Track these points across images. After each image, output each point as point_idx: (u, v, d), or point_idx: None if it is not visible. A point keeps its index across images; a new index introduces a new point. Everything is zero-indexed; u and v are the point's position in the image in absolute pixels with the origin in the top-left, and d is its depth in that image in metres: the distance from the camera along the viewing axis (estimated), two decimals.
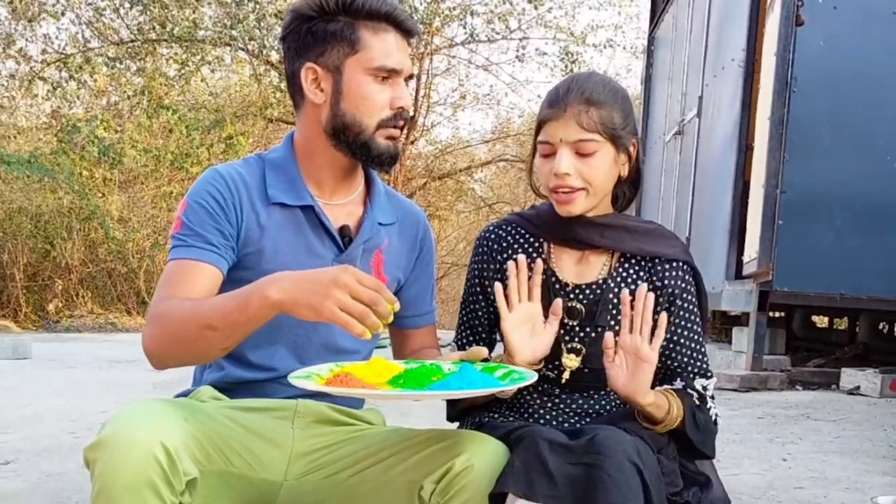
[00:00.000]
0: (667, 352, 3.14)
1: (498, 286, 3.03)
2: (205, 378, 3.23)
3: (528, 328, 3.08)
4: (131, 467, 2.54)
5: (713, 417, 3.15)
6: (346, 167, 3.17)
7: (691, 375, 3.14)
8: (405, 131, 3.19)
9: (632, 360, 2.92)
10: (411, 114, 3.12)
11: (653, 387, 3.01)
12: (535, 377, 2.83)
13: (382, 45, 3.03)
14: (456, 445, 2.85)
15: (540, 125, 3.08)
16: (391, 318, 2.64)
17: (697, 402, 3.09)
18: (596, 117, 3.00)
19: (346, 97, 3.04)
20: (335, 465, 3.07)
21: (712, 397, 3.16)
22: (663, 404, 2.98)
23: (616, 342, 2.94)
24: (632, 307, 2.88)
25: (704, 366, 3.18)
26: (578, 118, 2.99)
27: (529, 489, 2.72)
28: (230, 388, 3.18)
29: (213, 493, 2.89)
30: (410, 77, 3.15)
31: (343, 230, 3.16)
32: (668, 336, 3.12)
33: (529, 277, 3.07)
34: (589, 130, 2.99)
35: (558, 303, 3.04)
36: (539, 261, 3.11)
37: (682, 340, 3.15)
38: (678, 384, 3.13)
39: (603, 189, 3.10)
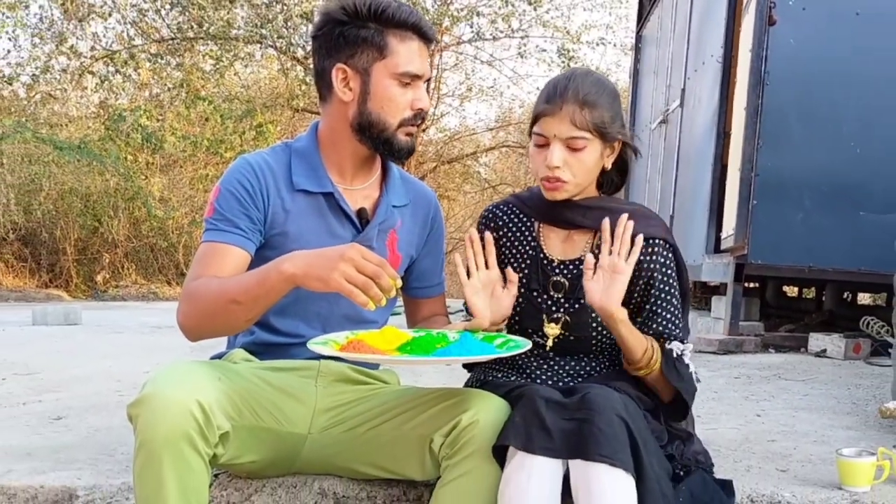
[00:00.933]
0: (647, 321, 3.19)
1: (457, 256, 3.10)
2: (237, 341, 3.29)
3: (487, 293, 3.17)
4: (170, 422, 2.61)
5: (693, 374, 3.17)
6: (365, 157, 3.24)
7: (669, 341, 3.15)
8: (421, 127, 3.28)
9: (608, 275, 2.98)
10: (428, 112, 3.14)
11: (601, 333, 3.18)
12: (528, 345, 2.92)
13: (407, 53, 3.09)
14: (463, 403, 2.91)
15: (536, 118, 3.10)
16: (393, 293, 2.71)
17: (676, 356, 3.12)
18: (588, 117, 3.04)
19: (372, 97, 3.10)
20: (354, 420, 3.13)
21: (689, 362, 3.18)
22: (641, 340, 3.04)
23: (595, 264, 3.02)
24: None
25: (681, 333, 3.20)
26: (572, 117, 3.03)
27: (528, 442, 2.76)
28: (259, 351, 3.24)
29: (243, 446, 2.95)
30: (429, 80, 3.24)
31: (360, 213, 3.22)
32: (648, 307, 3.18)
33: (485, 248, 3.17)
34: (581, 129, 3.04)
35: (510, 271, 3.17)
36: (488, 233, 3.21)
37: (659, 311, 3.18)
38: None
39: (587, 179, 3.16)
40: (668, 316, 3.19)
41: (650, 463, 2.76)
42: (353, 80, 3.12)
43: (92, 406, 4.93)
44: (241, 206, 3.08)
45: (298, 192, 3.17)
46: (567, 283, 3.24)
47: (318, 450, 3.18)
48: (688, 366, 3.17)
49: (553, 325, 3.22)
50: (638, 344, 3.02)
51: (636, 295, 3.19)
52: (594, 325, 3.22)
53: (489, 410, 2.89)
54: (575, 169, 3.08)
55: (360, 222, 3.23)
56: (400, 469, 3.09)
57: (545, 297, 3.26)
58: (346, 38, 3.09)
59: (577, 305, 3.22)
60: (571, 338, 3.23)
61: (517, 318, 3.29)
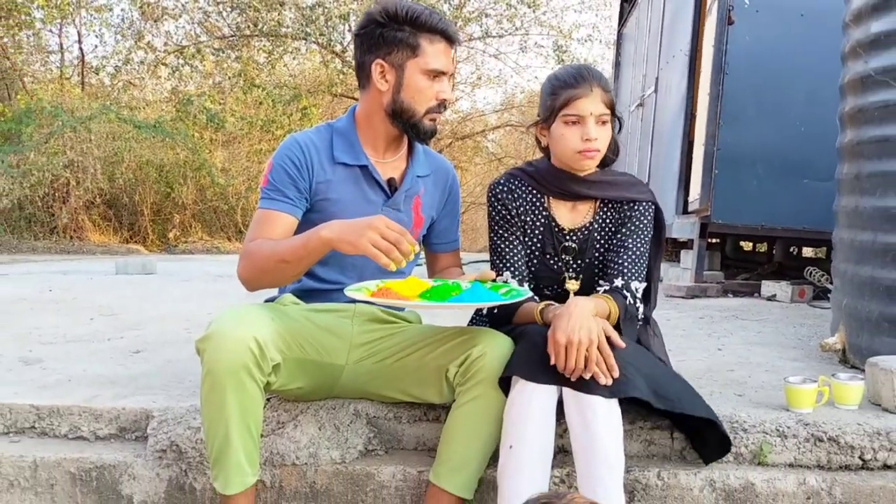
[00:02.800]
0: (620, 249, 3.23)
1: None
2: (287, 287, 3.33)
3: None
4: (231, 355, 2.72)
5: (639, 313, 3.22)
6: (395, 136, 3.30)
7: (630, 277, 3.18)
8: (443, 114, 3.29)
9: None
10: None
11: (598, 284, 3.23)
12: (528, 294, 3.01)
13: (435, 53, 3.16)
14: (473, 338, 2.97)
15: (567, 101, 3.11)
16: (412, 257, 2.80)
17: (629, 302, 3.14)
18: (608, 97, 3.13)
19: (405, 89, 3.17)
20: (383, 352, 3.18)
21: (642, 299, 3.24)
22: (606, 309, 3.03)
23: None
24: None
25: (642, 272, 3.24)
26: (602, 97, 3.11)
27: (530, 373, 2.77)
28: (305, 296, 3.30)
29: (291, 375, 3.02)
30: (452, 75, 3.29)
31: (390, 182, 3.29)
32: (621, 240, 3.23)
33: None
34: (607, 106, 3.12)
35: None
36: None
37: (629, 245, 3.22)
38: (618, 282, 3.17)
39: (605, 149, 3.22)
40: (636, 253, 3.23)
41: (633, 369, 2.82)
42: (388, 73, 3.18)
43: (165, 341, 4.94)
44: (290, 178, 3.16)
45: (338, 164, 3.24)
46: (576, 246, 3.29)
47: (353, 378, 3.22)
48: (638, 308, 3.21)
49: (573, 281, 3.29)
50: (603, 314, 3.01)
51: (619, 236, 3.26)
52: (597, 278, 3.28)
53: (495, 345, 2.95)
54: (603, 140, 3.15)
55: (390, 189, 3.30)
56: (422, 394, 3.15)
57: (557, 259, 3.30)
58: (384, 38, 3.16)
59: (584, 264, 3.30)
60: (579, 292, 3.25)
61: (535, 279, 3.33)
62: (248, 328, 2.79)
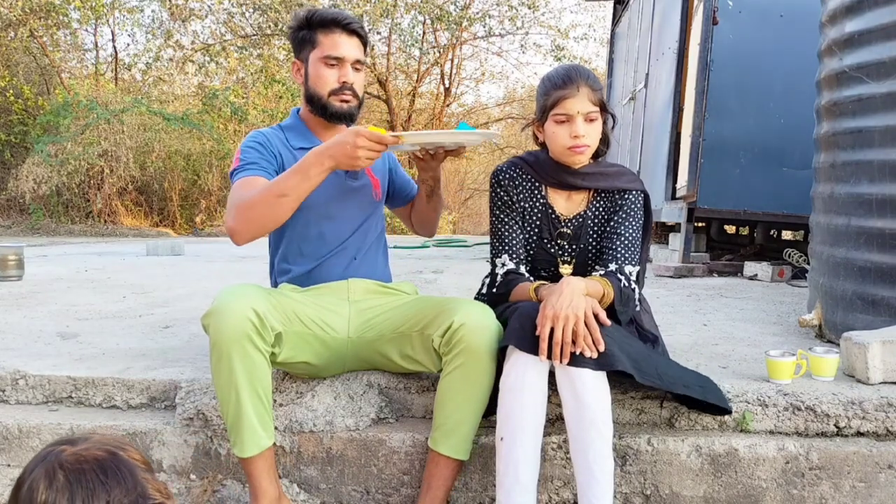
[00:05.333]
0: (613, 235, 3.22)
1: None
2: (280, 282, 3.40)
3: None
4: (233, 325, 2.77)
5: (635, 295, 3.21)
6: (325, 123, 3.42)
7: (623, 261, 3.17)
8: (358, 99, 3.40)
9: None
10: (359, 90, 3.41)
11: (594, 269, 3.21)
12: (497, 135, 3.21)
13: (331, 42, 3.32)
14: (453, 310, 3.00)
15: (556, 101, 3.12)
16: (401, 141, 2.93)
17: (624, 285, 3.12)
18: (596, 96, 3.12)
19: (311, 78, 3.36)
20: (380, 326, 3.23)
21: (636, 281, 3.22)
22: (599, 290, 3.01)
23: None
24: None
25: (635, 257, 3.22)
26: (589, 96, 3.10)
27: (523, 342, 2.77)
28: (300, 283, 3.35)
29: (296, 347, 3.06)
30: (359, 63, 3.40)
31: None
32: (614, 227, 3.24)
33: None
34: (594, 104, 3.11)
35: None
36: None
37: (622, 231, 3.22)
38: (612, 267, 3.16)
39: (596, 143, 3.21)
40: (628, 239, 3.22)
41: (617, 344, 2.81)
42: (301, 68, 3.41)
43: (192, 318, 4.94)
44: (259, 154, 3.26)
45: (297, 149, 3.36)
46: (571, 233, 3.29)
47: (358, 350, 3.25)
48: (633, 290, 3.20)
49: (566, 266, 3.30)
50: (597, 294, 3.00)
51: (612, 223, 3.26)
52: (590, 263, 3.29)
53: (473, 315, 2.96)
54: (592, 136, 3.15)
55: None
56: (422, 362, 3.15)
57: (553, 244, 3.30)
58: (295, 41, 3.41)
59: (578, 249, 3.30)
60: (574, 275, 3.23)
61: (532, 262, 3.33)
62: (247, 301, 2.82)
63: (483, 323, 2.94)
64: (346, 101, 3.34)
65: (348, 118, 3.37)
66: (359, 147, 2.86)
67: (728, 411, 3.14)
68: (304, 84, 3.38)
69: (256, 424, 2.87)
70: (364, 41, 3.43)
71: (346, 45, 3.32)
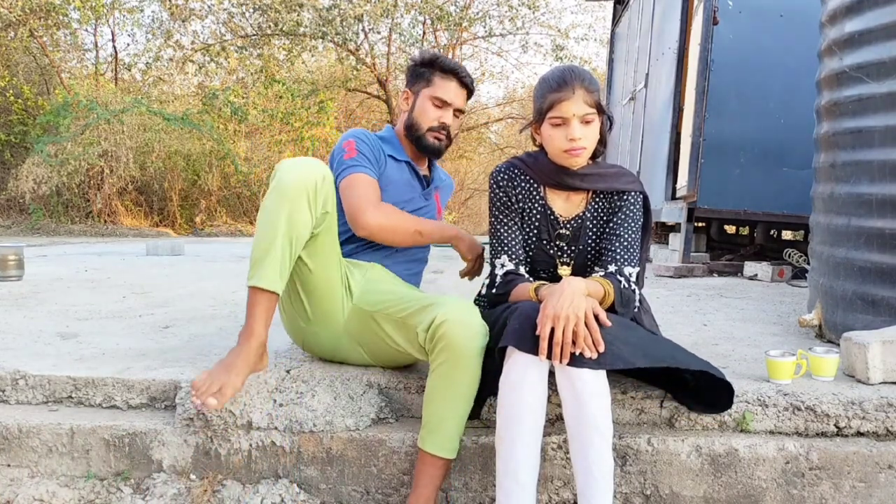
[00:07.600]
0: (612, 237, 3.22)
1: None
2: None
3: None
4: (298, 177, 3.10)
5: (635, 296, 3.20)
6: (413, 148, 3.80)
7: (622, 263, 3.16)
8: (450, 140, 3.77)
9: None
10: (452, 132, 3.80)
11: (593, 270, 3.21)
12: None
13: (444, 87, 3.69)
14: (437, 306, 3.05)
15: (552, 104, 3.11)
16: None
17: (624, 286, 3.11)
18: (592, 97, 3.10)
19: (416, 110, 3.72)
20: (380, 304, 3.33)
21: (636, 282, 3.22)
22: (600, 290, 3.01)
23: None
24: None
25: (634, 258, 3.21)
26: (584, 98, 3.09)
27: (523, 342, 2.76)
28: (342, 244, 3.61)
29: (324, 261, 3.35)
30: (460, 111, 3.76)
31: (425, 177, 3.85)
32: (613, 228, 3.23)
33: None
34: (590, 106, 3.10)
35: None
36: None
37: (621, 233, 3.21)
38: (612, 268, 3.15)
39: (593, 145, 3.20)
40: (628, 241, 3.21)
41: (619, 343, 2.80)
42: (409, 98, 3.77)
43: (192, 318, 4.94)
44: (373, 154, 3.60)
45: (390, 157, 3.70)
46: (570, 234, 3.29)
47: (360, 318, 3.37)
48: (633, 290, 3.18)
49: (565, 267, 3.31)
50: (598, 294, 2.99)
51: (611, 225, 3.26)
52: (589, 264, 3.29)
53: (455, 311, 2.99)
54: (589, 138, 3.14)
55: (424, 182, 3.82)
56: (416, 353, 3.18)
57: (552, 245, 3.30)
58: (412, 74, 3.76)
59: (577, 250, 3.30)
60: (574, 275, 3.23)
61: (531, 263, 3.33)
62: (312, 171, 3.12)
63: (465, 320, 2.95)
64: (439, 140, 3.70)
65: (436, 153, 3.74)
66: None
67: (730, 402, 3.14)
68: (409, 112, 3.74)
69: (277, 267, 3.09)
70: (470, 95, 3.80)
71: (456, 94, 3.70)
